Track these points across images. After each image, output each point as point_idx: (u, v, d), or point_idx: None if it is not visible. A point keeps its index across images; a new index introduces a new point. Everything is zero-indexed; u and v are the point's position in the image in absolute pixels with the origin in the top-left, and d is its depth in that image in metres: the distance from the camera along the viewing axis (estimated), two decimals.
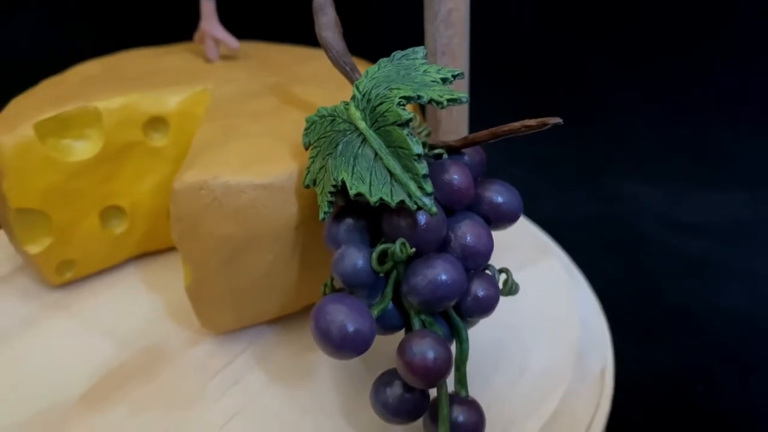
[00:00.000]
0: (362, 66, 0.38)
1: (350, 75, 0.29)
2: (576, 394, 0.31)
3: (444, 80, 0.25)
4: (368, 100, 0.25)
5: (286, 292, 0.31)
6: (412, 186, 0.23)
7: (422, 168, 0.23)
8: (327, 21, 0.29)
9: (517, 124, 0.26)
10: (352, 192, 0.24)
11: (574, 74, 0.61)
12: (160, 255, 0.39)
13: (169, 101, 0.35)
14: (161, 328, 0.33)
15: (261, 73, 0.38)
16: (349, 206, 0.27)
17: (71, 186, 0.33)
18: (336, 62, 0.29)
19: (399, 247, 0.24)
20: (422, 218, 0.25)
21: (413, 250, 0.24)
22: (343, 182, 0.25)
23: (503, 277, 0.28)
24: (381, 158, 0.24)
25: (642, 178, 0.55)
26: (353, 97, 0.26)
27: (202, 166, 0.28)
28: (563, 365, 0.32)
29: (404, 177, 0.24)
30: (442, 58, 0.33)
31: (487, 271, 0.27)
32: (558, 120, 0.25)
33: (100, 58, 0.40)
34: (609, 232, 0.49)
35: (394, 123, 0.24)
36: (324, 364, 0.31)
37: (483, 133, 0.27)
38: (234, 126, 0.31)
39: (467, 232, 0.26)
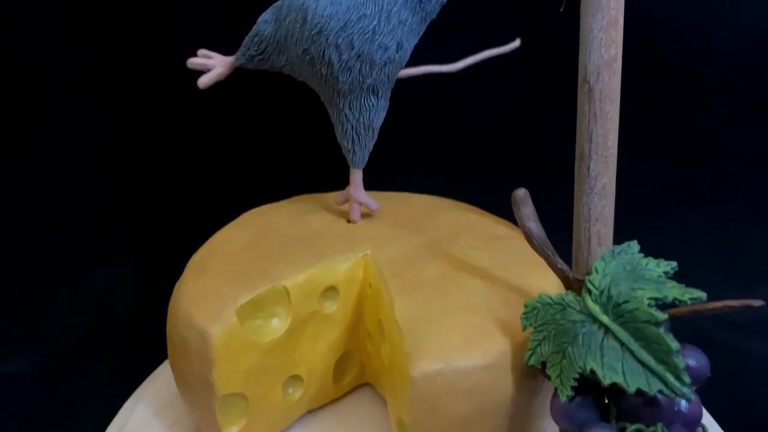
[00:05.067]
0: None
1: (552, 260, 0.32)
2: None
3: (666, 273, 0.30)
4: (609, 297, 0.29)
5: None
6: (670, 378, 0.27)
7: (681, 362, 0.27)
8: (528, 212, 0.32)
9: (720, 304, 0.30)
10: (606, 381, 0.28)
11: None
12: (317, 412, 0.40)
13: (339, 270, 0.37)
14: None
15: (403, 231, 0.41)
16: (579, 386, 0.30)
17: (264, 364, 0.35)
18: (539, 250, 0.32)
19: (660, 430, 0.27)
20: (662, 400, 0.28)
21: None
22: (591, 370, 0.28)
23: (700, 430, 0.32)
24: (631, 351, 0.28)
25: (681, 275, 0.61)
26: (589, 292, 0.30)
27: (432, 353, 0.31)
28: None
29: (659, 369, 0.27)
30: (595, 224, 0.37)
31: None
32: (760, 302, 0.29)
33: (236, 222, 0.42)
34: (679, 338, 0.54)
35: (646, 321, 0.28)
36: None
37: (683, 310, 0.31)
38: (427, 301, 0.34)
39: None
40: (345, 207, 0.42)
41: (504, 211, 0.45)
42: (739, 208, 0.63)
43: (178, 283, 0.37)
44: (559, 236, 0.39)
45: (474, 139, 0.61)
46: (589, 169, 0.37)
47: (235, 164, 0.61)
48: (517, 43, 0.46)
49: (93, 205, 0.61)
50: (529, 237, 0.32)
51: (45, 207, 0.62)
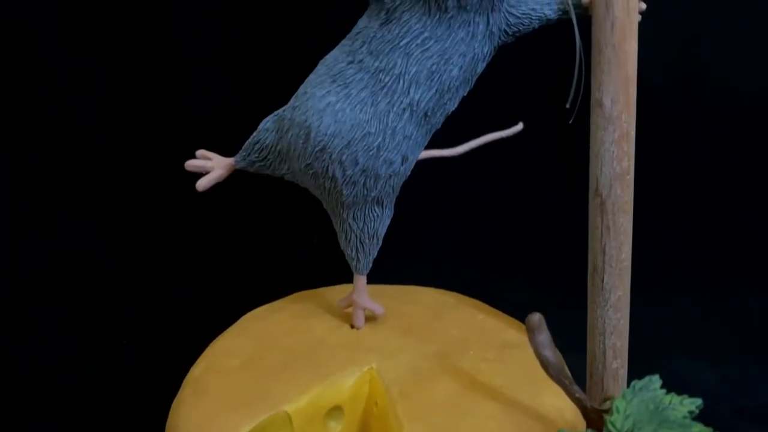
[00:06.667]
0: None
1: (569, 389, 0.31)
2: None
3: (690, 413, 0.28)
4: None
5: None
6: None
7: None
8: (544, 339, 0.31)
9: None
10: None
11: None
12: None
13: (343, 387, 0.36)
14: None
15: (409, 339, 0.39)
16: None
17: None
18: (555, 379, 0.31)
19: None
20: None
21: None
22: None
23: None
24: None
25: (699, 359, 0.58)
26: None
27: None
28: None
29: None
30: (610, 337, 0.36)
31: None
32: None
33: (235, 328, 0.40)
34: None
35: None
36: None
37: None
38: (439, 429, 0.32)
39: None
40: (349, 309, 0.41)
41: (505, 300, 0.44)
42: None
43: (174, 404, 0.35)
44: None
45: (474, 228, 0.60)
46: (603, 281, 0.35)
47: (235, 252, 0.60)
48: (519, 126, 0.45)
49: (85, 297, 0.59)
50: (545, 366, 0.31)
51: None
